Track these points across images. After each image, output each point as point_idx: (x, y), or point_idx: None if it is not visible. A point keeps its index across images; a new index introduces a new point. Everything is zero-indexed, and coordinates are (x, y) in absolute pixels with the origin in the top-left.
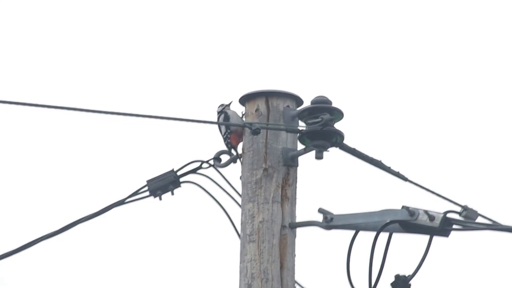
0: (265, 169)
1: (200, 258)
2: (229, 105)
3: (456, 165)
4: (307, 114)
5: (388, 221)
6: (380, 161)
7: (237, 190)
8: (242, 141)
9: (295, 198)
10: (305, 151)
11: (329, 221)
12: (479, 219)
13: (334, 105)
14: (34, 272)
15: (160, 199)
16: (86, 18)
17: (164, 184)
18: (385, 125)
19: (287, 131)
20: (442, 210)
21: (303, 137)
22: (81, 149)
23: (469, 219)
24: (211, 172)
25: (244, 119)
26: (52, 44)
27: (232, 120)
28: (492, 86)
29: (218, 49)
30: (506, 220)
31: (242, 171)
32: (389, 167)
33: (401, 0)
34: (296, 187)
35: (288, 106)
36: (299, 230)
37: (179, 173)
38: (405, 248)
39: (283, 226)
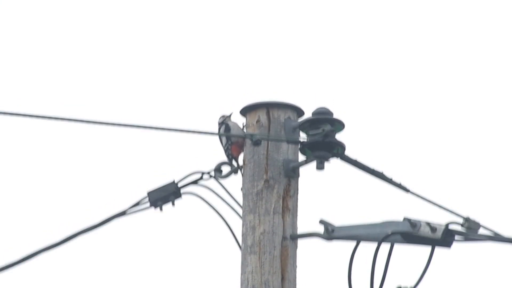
0: (266, 180)
1: (201, 270)
2: (229, 116)
3: (458, 177)
4: (308, 125)
5: (389, 232)
6: (382, 172)
7: (238, 202)
8: (243, 152)
9: (296, 210)
10: (306, 162)
11: (331, 233)
12: (481, 231)
13: (335, 116)
14: (34, 284)
15: (161, 210)
16: (86, 29)
17: (165, 195)
18: (386, 137)
19: (288, 142)
20: (444, 222)
21: (304, 148)
22: (82, 160)
23: (471, 231)
24: (212, 183)
25: (245, 130)
26: (53, 55)
27: (233, 132)
28: (493, 99)
29: (219, 60)
30: (508, 231)
31: (243, 183)
32: (391, 179)
33: (403, 12)
34: (297, 198)
35: (289, 117)
36: (300, 242)
37: (180, 184)
38: (407, 260)
39: (284, 238)
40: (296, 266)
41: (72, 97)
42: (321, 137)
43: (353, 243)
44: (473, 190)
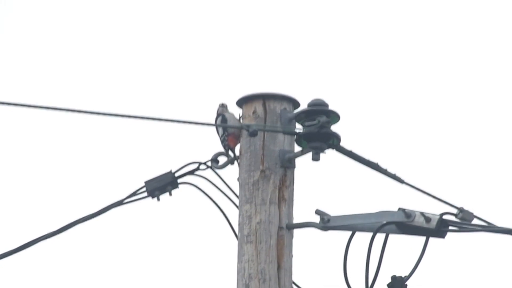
0: (262, 171)
1: (198, 259)
2: (224, 105)
3: (452, 168)
4: (304, 116)
5: (384, 222)
6: (377, 163)
7: (234, 192)
8: (239, 143)
9: (292, 200)
10: (302, 153)
11: (326, 222)
12: (475, 221)
13: (330, 107)
14: (33, 272)
15: (158, 200)
16: (84, 20)
17: (162, 185)
18: (381, 128)
19: (284, 133)
20: (438, 212)
21: (300, 139)
22: (80, 150)
23: (465, 221)
24: (208, 173)
25: (241, 121)
26: (50, 45)
27: (230, 123)
28: (487, 89)
29: (216, 52)
30: (502, 222)
31: (240, 173)
32: (386, 169)
33: (398, 3)
34: (293, 188)
35: (285, 108)
36: (296, 231)
37: (177, 174)
38: (402, 249)
39: (280, 227)
40: (292, 255)
41: (70, 88)
42: (317, 128)
43: (349, 233)
44: (467, 181)
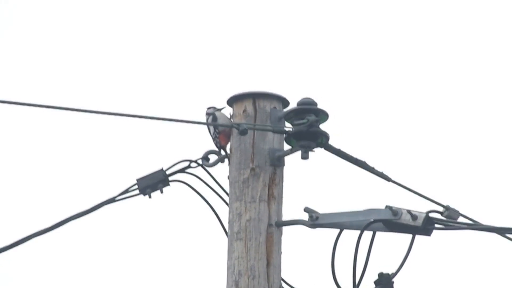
0: (252, 169)
1: (189, 256)
2: (220, 109)
3: (438, 166)
4: (293, 115)
5: (372, 220)
6: (364, 161)
7: (225, 189)
8: (230, 141)
9: (282, 197)
10: (291, 151)
11: (315, 220)
12: (461, 219)
13: (319, 106)
14: (25, 269)
15: (150, 197)
16: (75, 20)
17: (153, 183)
18: (369, 127)
19: (274, 131)
20: (425, 210)
21: (289, 137)
22: (73, 147)
23: (451, 219)
24: (199, 171)
25: (232, 119)
26: (41, 45)
27: (220, 121)
28: (473, 87)
29: (207, 51)
30: (487, 220)
31: (230, 171)
32: (373, 168)
33: (385, 1)
34: (282, 186)
35: (274, 107)
36: (285, 229)
37: (168, 172)
38: (389, 247)
39: (269, 225)
40: (281, 252)
41: (62, 87)
42: (306, 127)
43: (337, 230)
44: (453, 179)
